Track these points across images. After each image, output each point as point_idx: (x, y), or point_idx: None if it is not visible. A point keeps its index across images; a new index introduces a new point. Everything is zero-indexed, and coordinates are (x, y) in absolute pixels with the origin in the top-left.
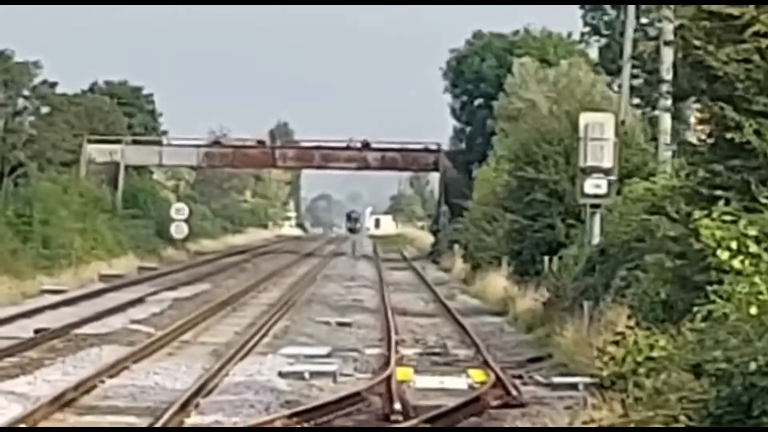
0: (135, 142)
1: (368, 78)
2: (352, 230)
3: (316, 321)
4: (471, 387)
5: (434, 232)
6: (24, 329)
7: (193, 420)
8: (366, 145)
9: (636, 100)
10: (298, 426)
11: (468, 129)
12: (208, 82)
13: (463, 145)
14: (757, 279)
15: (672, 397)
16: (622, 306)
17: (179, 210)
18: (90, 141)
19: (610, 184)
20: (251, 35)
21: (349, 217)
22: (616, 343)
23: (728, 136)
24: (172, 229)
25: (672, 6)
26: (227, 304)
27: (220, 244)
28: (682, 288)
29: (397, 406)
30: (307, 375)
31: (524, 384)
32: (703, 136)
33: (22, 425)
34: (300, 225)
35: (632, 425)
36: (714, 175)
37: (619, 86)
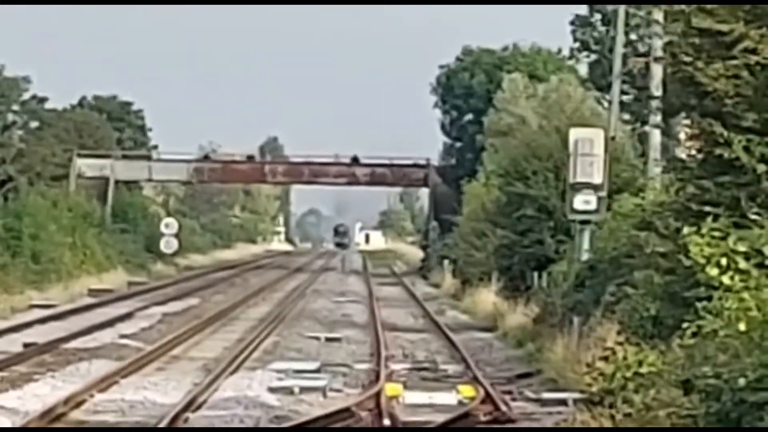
0: (125, 157)
1: (358, 93)
2: (340, 245)
3: (306, 336)
4: (461, 403)
5: (424, 248)
6: (13, 343)
7: None
8: (355, 161)
9: (626, 116)
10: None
11: (458, 144)
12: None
13: (452, 161)
14: (746, 295)
15: (661, 413)
16: (612, 322)
17: (169, 225)
18: (80, 156)
19: (599, 199)
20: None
21: (336, 231)
22: (606, 358)
23: (717, 152)
24: (162, 244)
25: (662, 22)
26: (217, 319)
27: (209, 259)
28: (671, 304)
29: (387, 421)
30: (296, 390)
31: (514, 400)
32: (693, 152)
33: None
34: (289, 240)
35: None
36: (703, 191)
37: (609, 102)
